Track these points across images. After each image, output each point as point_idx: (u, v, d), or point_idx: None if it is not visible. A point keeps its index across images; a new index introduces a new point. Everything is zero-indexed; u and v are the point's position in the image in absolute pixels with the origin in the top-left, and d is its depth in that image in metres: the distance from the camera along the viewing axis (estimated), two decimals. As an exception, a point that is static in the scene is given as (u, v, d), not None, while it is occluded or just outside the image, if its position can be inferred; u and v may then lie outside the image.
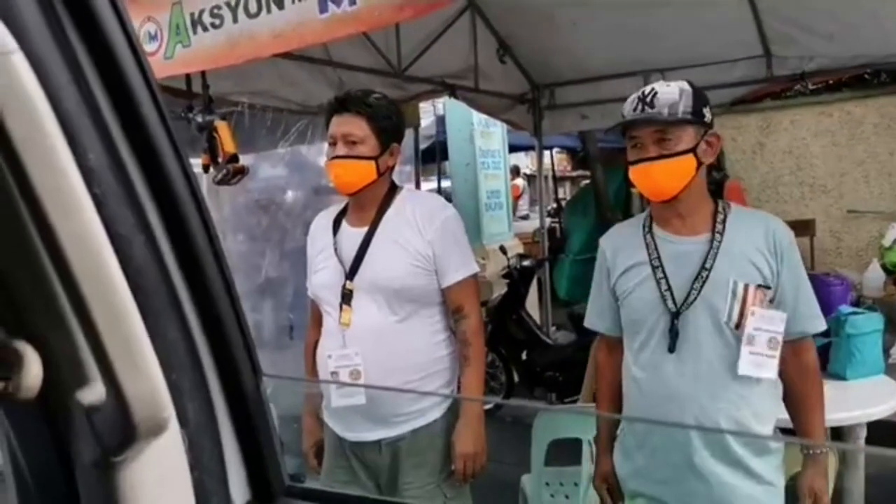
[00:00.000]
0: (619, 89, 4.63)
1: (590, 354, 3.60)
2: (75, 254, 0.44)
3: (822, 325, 1.75)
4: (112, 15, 0.50)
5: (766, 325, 1.66)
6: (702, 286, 1.69)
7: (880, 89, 6.46)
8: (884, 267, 5.20)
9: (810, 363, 1.77)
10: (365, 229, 2.03)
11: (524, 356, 5.02)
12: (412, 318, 2.01)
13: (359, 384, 1.97)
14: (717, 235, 1.71)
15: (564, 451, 2.65)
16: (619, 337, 1.88)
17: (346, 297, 2.00)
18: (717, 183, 6.20)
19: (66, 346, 0.48)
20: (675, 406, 1.71)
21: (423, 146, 6.43)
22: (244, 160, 3.34)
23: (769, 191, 6.65)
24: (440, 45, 4.26)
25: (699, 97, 1.69)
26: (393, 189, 2.09)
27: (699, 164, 1.69)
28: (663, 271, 1.73)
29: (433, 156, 7.59)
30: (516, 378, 5.12)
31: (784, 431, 1.90)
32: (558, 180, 11.28)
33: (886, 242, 5.29)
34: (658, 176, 1.69)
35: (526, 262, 5.45)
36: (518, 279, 5.16)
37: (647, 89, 1.70)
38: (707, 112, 1.70)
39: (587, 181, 9.26)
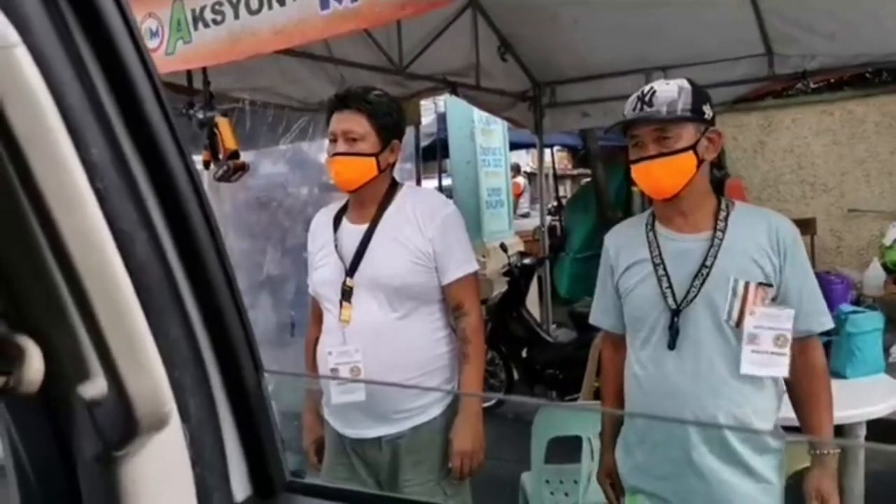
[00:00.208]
0: (620, 87, 4.63)
1: (590, 352, 3.61)
2: (78, 249, 0.44)
3: (828, 324, 1.73)
4: (115, 9, 0.50)
5: (770, 323, 1.64)
6: (702, 284, 1.69)
7: (881, 88, 6.45)
8: (884, 266, 5.20)
9: (817, 362, 1.75)
10: (365, 226, 2.02)
11: (524, 354, 5.02)
12: (412, 316, 2.01)
13: (360, 380, 1.97)
14: (719, 233, 1.70)
15: (564, 449, 2.65)
16: (623, 334, 1.88)
17: (347, 293, 2.00)
18: (717, 181, 6.20)
19: (68, 341, 0.48)
20: (675, 403, 1.71)
21: (423, 144, 6.43)
22: (245, 157, 3.34)
23: (770, 189, 6.65)
24: (441, 42, 4.25)
25: (699, 95, 1.69)
26: (394, 186, 2.08)
27: (700, 161, 1.68)
28: (664, 269, 1.74)
29: (434, 153, 7.59)
30: (516, 376, 5.13)
31: (788, 430, 1.89)
32: (559, 178, 11.27)
33: (887, 241, 5.29)
34: (658, 174, 1.69)
35: (526, 260, 5.45)
36: (518, 277, 5.16)
37: (647, 88, 1.70)
38: (707, 109, 1.70)
39: (588, 179, 9.27)
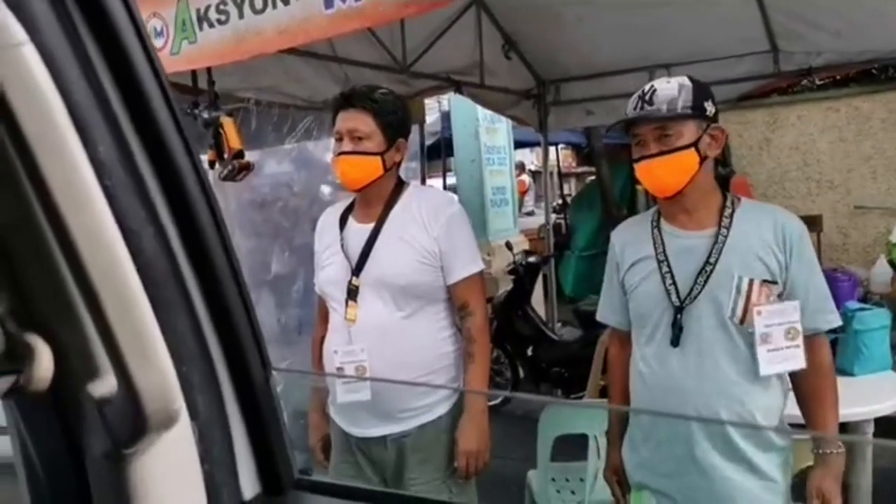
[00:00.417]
0: (624, 85, 4.62)
1: (595, 350, 3.61)
2: (86, 247, 0.44)
3: (836, 321, 1.72)
4: (121, 7, 0.50)
5: (779, 319, 1.63)
6: (706, 280, 1.68)
7: (888, 84, 6.42)
8: (891, 263, 5.17)
9: (824, 360, 1.73)
10: (371, 225, 2.02)
11: (529, 352, 5.02)
12: (418, 315, 2.01)
13: (366, 378, 1.97)
14: (724, 230, 1.70)
15: (571, 447, 2.65)
16: (630, 331, 1.88)
17: (352, 293, 2.00)
18: (723, 179, 6.19)
19: (77, 339, 0.48)
20: (678, 400, 1.71)
21: (428, 142, 6.44)
22: (251, 156, 3.35)
23: (776, 186, 6.62)
24: (445, 40, 4.25)
25: (700, 91, 1.68)
26: (400, 185, 2.08)
27: (702, 158, 1.68)
28: (668, 265, 1.73)
29: (438, 152, 7.59)
30: (522, 374, 5.13)
31: (794, 427, 1.89)
32: (563, 176, 11.27)
33: (894, 238, 5.26)
34: (660, 172, 1.69)
35: (531, 259, 5.45)
36: (523, 275, 5.15)
37: (647, 87, 1.70)
38: (709, 106, 1.69)
39: (592, 177, 9.25)
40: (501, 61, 4.76)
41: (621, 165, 7.46)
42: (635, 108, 1.69)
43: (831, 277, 3.45)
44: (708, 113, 1.69)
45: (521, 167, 11.83)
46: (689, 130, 1.66)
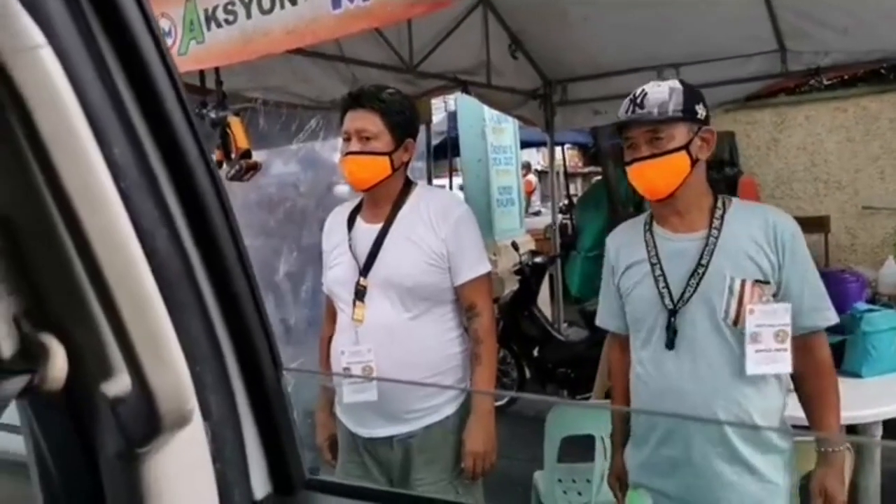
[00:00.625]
0: (631, 85, 4.57)
1: (602, 351, 3.60)
2: (101, 247, 0.44)
3: (832, 319, 1.71)
4: (136, 9, 0.51)
5: (769, 320, 1.64)
6: (698, 283, 1.68)
7: (896, 84, 6.40)
8: (899, 263, 5.15)
9: (824, 359, 1.73)
10: (379, 226, 2.03)
11: (536, 353, 5.02)
12: (425, 316, 2.01)
13: (374, 378, 1.97)
14: (714, 231, 1.70)
15: (577, 448, 2.64)
16: (629, 335, 1.88)
17: (360, 293, 2.01)
18: (730, 179, 6.18)
19: (92, 339, 0.49)
20: (676, 402, 1.71)
21: (434, 142, 6.43)
22: (258, 156, 3.35)
23: (783, 187, 6.60)
24: (452, 40, 4.25)
25: (691, 95, 1.70)
26: (408, 185, 2.08)
27: (694, 160, 1.69)
28: (661, 269, 1.74)
29: (445, 152, 7.58)
30: (528, 374, 5.12)
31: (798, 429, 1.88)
32: (570, 176, 11.24)
33: (902, 239, 5.24)
34: (652, 175, 1.70)
35: (538, 259, 5.44)
36: (530, 275, 5.15)
37: (639, 91, 1.72)
38: (700, 109, 1.70)
39: (599, 177, 9.23)
40: (508, 61, 4.76)
41: (628, 165, 7.42)
42: (627, 112, 1.71)
43: (839, 278, 3.44)
44: (699, 116, 1.70)
45: (526, 167, 11.82)
46: (680, 133, 1.67)
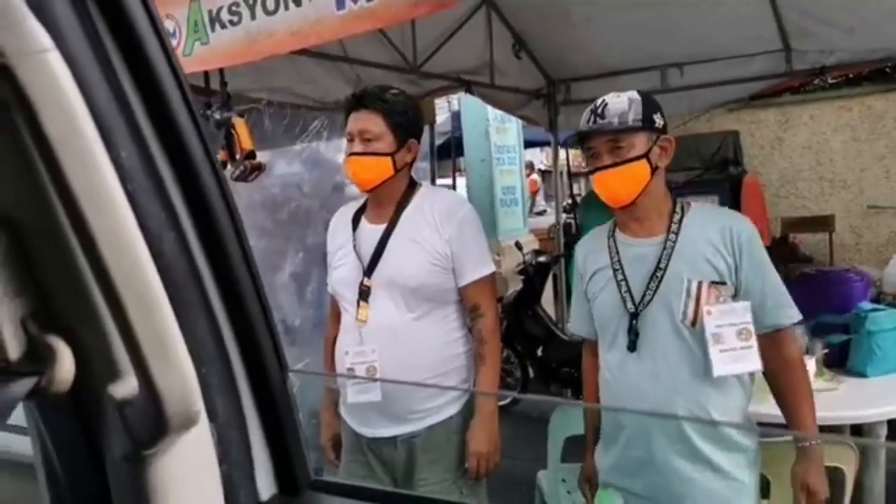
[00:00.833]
0: (635, 84, 4.57)
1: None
2: (108, 249, 0.44)
3: (795, 316, 1.76)
4: (142, 10, 0.51)
5: (729, 320, 1.68)
6: (657, 286, 1.74)
7: (901, 83, 6.37)
8: (904, 263, 5.13)
9: (792, 355, 1.78)
10: (383, 226, 2.03)
11: (540, 352, 5.01)
12: (429, 316, 2.01)
13: (380, 379, 1.98)
14: (672, 235, 1.76)
15: (581, 448, 2.63)
16: None
17: (364, 293, 2.01)
18: (734, 178, 6.17)
19: (99, 341, 0.49)
20: (637, 403, 1.76)
21: (438, 142, 6.43)
22: (262, 157, 3.36)
23: (788, 186, 6.59)
24: (456, 40, 4.25)
25: (649, 105, 1.75)
26: (412, 186, 2.08)
27: (654, 168, 1.74)
28: (623, 273, 1.80)
29: (449, 152, 7.58)
30: (532, 374, 5.11)
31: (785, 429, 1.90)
32: (574, 176, 11.22)
33: (907, 238, 5.22)
34: (614, 183, 1.75)
35: (541, 258, 5.44)
36: (533, 275, 5.15)
37: (599, 101, 1.77)
38: (658, 118, 1.76)
39: (603, 177, 9.19)
40: (511, 61, 4.76)
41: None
42: (588, 122, 1.76)
43: (844, 278, 3.44)
44: (657, 125, 1.76)
45: (530, 167, 11.81)
46: (640, 142, 1.73)
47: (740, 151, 6.46)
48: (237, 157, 3.19)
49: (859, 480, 2.32)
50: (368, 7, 2.43)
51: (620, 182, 1.74)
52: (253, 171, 3.23)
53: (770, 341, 1.74)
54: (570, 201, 9.57)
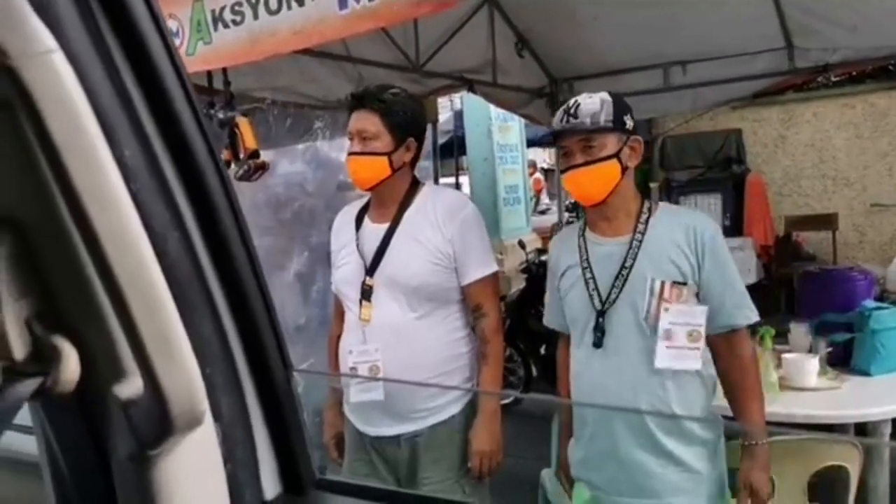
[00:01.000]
0: (638, 83, 4.60)
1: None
2: (113, 249, 0.44)
3: (752, 317, 1.81)
4: (145, 10, 0.51)
5: (683, 319, 1.73)
6: (623, 284, 1.79)
7: (905, 81, 6.35)
8: (908, 261, 5.12)
9: (745, 355, 1.83)
10: (386, 225, 2.03)
11: (542, 350, 5.01)
12: (431, 316, 2.01)
13: (380, 378, 1.98)
14: (639, 235, 1.80)
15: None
16: None
17: (367, 293, 2.01)
18: (738, 176, 6.16)
19: (104, 341, 0.49)
20: (602, 398, 1.83)
21: (441, 141, 6.44)
22: (266, 156, 3.36)
23: (791, 184, 6.57)
24: (458, 39, 4.25)
25: (620, 106, 1.79)
26: (415, 185, 2.08)
27: (624, 167, 1.79)
28: (591, 272, 1.84)
29: (451, 151, 7.59)
30: (535, 372, 5.12)
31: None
32: (576, 175, 11.20)
33: (911, 236, 5.21)
34: (586, 181, 1.79)
35: (544, 257, 5.43)
36: (536, 274, 5.14)
37: (571, 102, 1.81)
38: (628, 120, 1.80)
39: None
40: (514, 60, 4.76)
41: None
42: (562, 121, 1.80)
43: (847, 276, 3.43)
44: (627, 126, 1.81)
45: (532, 165, 11.81)
46: (611, 142, 1.78)
47: (743, 150, 6.45)
48: (241, 156, 3.20)
49: (863, 479, 2.31)
50: (371, 6, 2.43)
51: (591, 181, 1.78)
52: (256, 170, 3.23)
53: (725, 340, 1.80)
54: (573, 200, 9.56)
